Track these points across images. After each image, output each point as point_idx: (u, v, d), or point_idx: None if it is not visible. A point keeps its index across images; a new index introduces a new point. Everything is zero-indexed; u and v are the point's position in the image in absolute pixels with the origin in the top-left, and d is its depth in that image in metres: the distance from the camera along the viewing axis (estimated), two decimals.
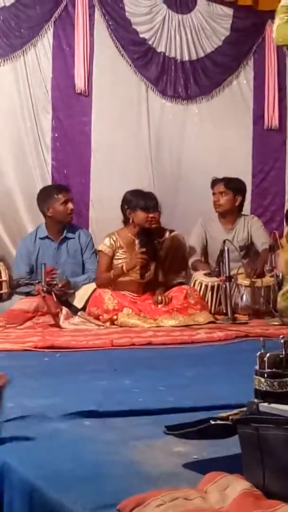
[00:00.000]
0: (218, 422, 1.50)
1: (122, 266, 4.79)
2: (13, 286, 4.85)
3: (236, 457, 1.58)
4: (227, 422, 1.48)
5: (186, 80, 6.12)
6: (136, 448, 1.78)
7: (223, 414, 1.53)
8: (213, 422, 1.50)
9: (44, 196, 5.18)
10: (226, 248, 4.82)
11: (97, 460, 1.67)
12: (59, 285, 4.75)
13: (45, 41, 5.73)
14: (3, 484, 1.60)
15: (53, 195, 5.11)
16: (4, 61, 5.60)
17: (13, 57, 5.63)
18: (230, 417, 1.48)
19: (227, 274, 4.79)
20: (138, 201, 4.93)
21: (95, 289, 4.88)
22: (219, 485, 1.37)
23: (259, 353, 1.46)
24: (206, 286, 4.97)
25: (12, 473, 1.59)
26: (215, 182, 5.44)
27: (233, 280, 4.85)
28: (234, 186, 5.41)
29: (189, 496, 1.32)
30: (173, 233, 5.47)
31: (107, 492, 1.44)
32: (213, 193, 5.45)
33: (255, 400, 1.44)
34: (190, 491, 1.35)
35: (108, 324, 4.56)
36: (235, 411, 1.51)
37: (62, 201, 5.08)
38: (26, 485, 1.51)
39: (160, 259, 5.12)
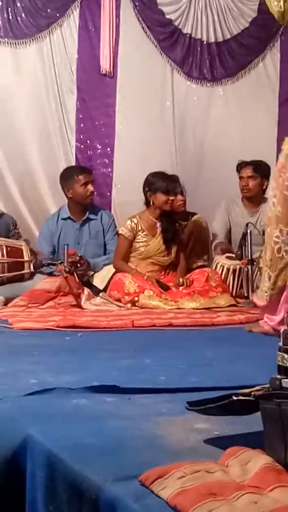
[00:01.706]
0: (241, 398, 1.50)
1: (145, 275, 4.77)
2: (36, 266, 4.87)
3: (257, 434, 1.59)
4: (250, 398, 1.48)
5: (211, 62, 6.07)
6: (158, 423, 1.79)
7: (246, 390, 1.53)
8: (235, 398, 1.51)
9: (66, 177, 5.19)
10: (248, 231, 4.80)
11: (119, 434, 1.68)
12: (79, 265, 4.76)
13: (71, 22, 5.72)
14: (26, 455, 1.62)
15: (74, 176, 5.11)
16: (30, 41, 5.60)
17: (39, 37, 5.62)
18: (252, 393, 1.49)
19: (249, 257, 4.77)
20: (159, 184, 4.91)
21: (115, 272, 4.89)
22: (240, 460, 1.38)
23: (283, 329, 1.46)
24: (228, 269, 4.96)
25: (35, 445, 1.60)
26: (241, 166, 5.40)
27: (255, 263, 4.82)
28: (261, 170, 5.37)
29: (211, 469, 1.33)
30: (195, 217, 5.44)
31: (129, 464, 1.45)
32: (241, 177, 5.40)
33: (278, 376, 1.44)
34: (212, 465, 1.36)
35: (129, 305, 4.57)
36: (257, 387, 1.52)
37: (82, 182, 5.07)
38: (48, 457, 1.53)
39: (182, 242, 5.11)
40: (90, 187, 5.08)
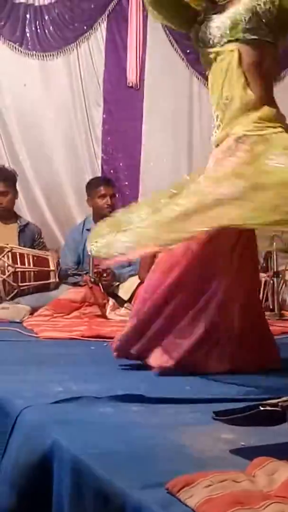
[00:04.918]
0: (268, 408, 1.50)
1: None
2: (61, 276, 4.90)
3: (283, 445, 1.59)
4: (276, 409, 1.48)
5: None
6: (184, 433, 1.79)
7: (273, 401, 1.53)
8: (262, 409, 1.51)
9: (88, 188, 5.25)
10: (274, 243, 4.78)
11: (145, 443, 1.69)
12: (105, 275, 4.78)
13: (98, 34, 5.79)
14: (53, 461, 1.63)
15: (94, 188, 5.17)
16: (57, 53, 5.68)
17: (67, 50, 5.70)
18: (279, 404, 1.49)
19: (275, 270, 4.76)
20: None
21: (140, 283, 4.90)
22: (267, 470, 1.37)
23: None
24: None
25: (62, 451, 1.61)
26: None
27: (280, 276, 4.81)
28: None
29: (237, 479, 1.33)
30: None
31: (155, 472, 1.46)
32: None
33: None
34: (239, 474, 1.36)
35: None
36: (284, 398, 1.51)
37: (100, 194, 5.11)
38: (75, 463, 1.54)
39: None
40: (108, 200, 5.10)
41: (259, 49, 2.65)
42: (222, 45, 2.67)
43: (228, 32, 2.64)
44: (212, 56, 2.70)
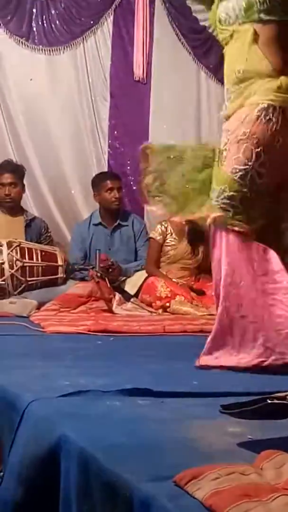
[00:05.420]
0: (275, 401, 1.50)
1: (178, 283, 4.78)
2: (68, 271, 4.91)
3: None
4: (284, 402, 1.48)
5: None
6: (191, 427, 1.80)
7: (280, 394, 1.53)
8: (269, 402, 1.51)
9: (95, 182, 5.26)
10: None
11: (152, 436, 1.69)
12: (110, 270, 4.78)
13: (105, 29, 5.77)
14: (60, 453, 1.63)
15: (101, 182, 5.17)
16: (64, 48, 5.66)
17: (73, 44, 5.68)
18: (287, 397, 1.48)
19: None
20: None
21: (148, 277, 4.91)
22: (275, 463, 1.37)
23: None
24: None
25: (70, 444, 1.62)
26: None
27: None
28: None
29: (245, 472, 1.33)
30: None
31: (162, 465, 1.46)
32: None
33: None
34: (246, 467, 1.36)
35: (160, 311, 4.57)
36: None
37: (108, 187, 5.12)
38: (83, 456, 1.54)
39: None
40: (115, 193, 5.11)
41: (276, 28, 2.64)
42: (238, 25, 2.69)
43: (243, 13, 2.65)
44: (228, 34, 2.73)
